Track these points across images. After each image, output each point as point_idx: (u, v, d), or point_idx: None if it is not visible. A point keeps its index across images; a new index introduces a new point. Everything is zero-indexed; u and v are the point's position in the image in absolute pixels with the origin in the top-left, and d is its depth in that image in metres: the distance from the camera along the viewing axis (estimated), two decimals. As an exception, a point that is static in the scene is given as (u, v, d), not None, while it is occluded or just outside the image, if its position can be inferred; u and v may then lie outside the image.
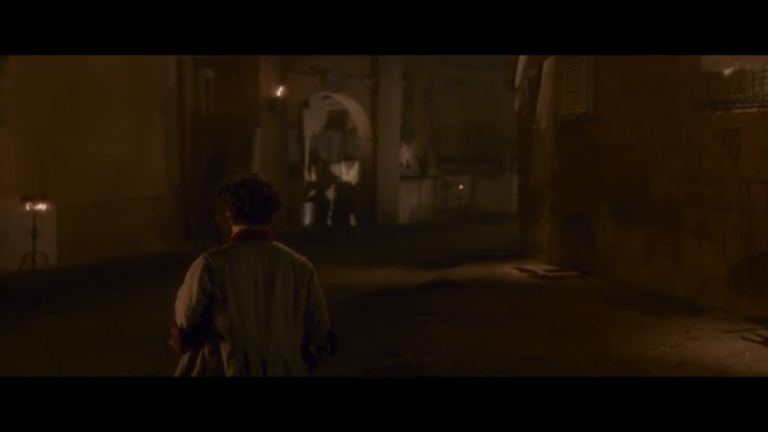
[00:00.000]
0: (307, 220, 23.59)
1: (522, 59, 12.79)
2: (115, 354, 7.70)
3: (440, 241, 18.99)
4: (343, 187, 24.18)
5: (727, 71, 8.35)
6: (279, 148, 20.92)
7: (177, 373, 3.92)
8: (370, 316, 9.56)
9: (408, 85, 25.61)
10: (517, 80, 12.82)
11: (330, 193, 25.55)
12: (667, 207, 10.36)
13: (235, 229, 3.88)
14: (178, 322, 3.83)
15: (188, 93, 17.35)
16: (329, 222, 23.82)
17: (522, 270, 13.17)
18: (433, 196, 25.42)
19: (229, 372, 3.76)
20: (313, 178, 25.14)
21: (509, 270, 13.26)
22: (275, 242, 3.86)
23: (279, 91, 20.35)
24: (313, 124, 25.31)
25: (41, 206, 12.58)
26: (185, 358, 3.89)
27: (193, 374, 3.87)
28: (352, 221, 24.64)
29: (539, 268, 13.39)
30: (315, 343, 3.91)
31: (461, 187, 26.06)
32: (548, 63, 12.45)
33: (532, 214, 14.83)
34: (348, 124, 27.87)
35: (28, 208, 12.45)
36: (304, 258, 3.90)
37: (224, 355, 3.77)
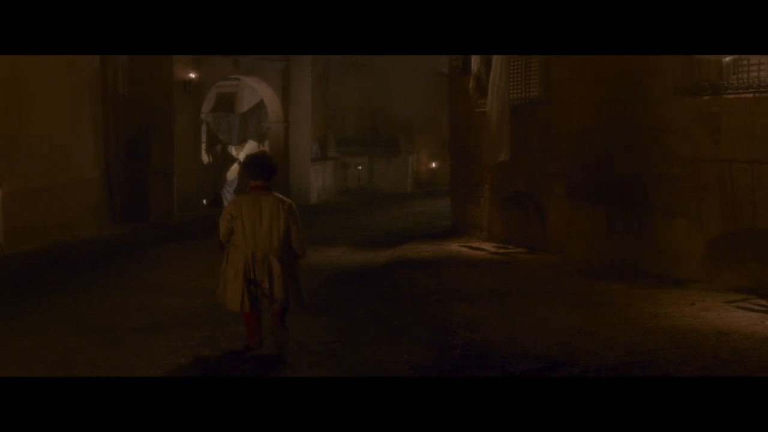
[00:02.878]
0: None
1: (475, 45, 12.78)
2: (149, 340, 7.22)
3: (361, 221, 18.84)
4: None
5: (726, 59, 8.58)
6: (193, 131, 20.21)
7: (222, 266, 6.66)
8: (376, 296, 9.34)
9: (305, 68, 25.26)
10: (473, 66, 12.79)
11: (231, 174, 25.03)
12: (632, 186, 10.61)
13: (251, 183, 6.58)
14: (220, 237, 6.63)
15: (109, 75, 16.48)
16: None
17: (471, 248, 13.22)
18: (335, 177, 25.21)
19: (240, 263, 6.43)
20: (210, 160, 24.53)
21: (458, 248, 13.28)
22: (272, 192, 6.55)
23: (192, 74, 19.64)
24: (204, 106, 24.61)
25: (-7, 192, 11.69)
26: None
27: (223, 267, 6.62)
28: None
29: (485, 245, 13.49)
30: (294, 246, 6.54)
31: (360, 167, 25.94)
32: (499, 49, 12.49)
33: (469, 193, 14.90)
34: (237, 106, 27.27)
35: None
36: (289, 201, 6.62)
37: (237, 255, 6.48)
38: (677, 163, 9.85)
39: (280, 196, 6.57)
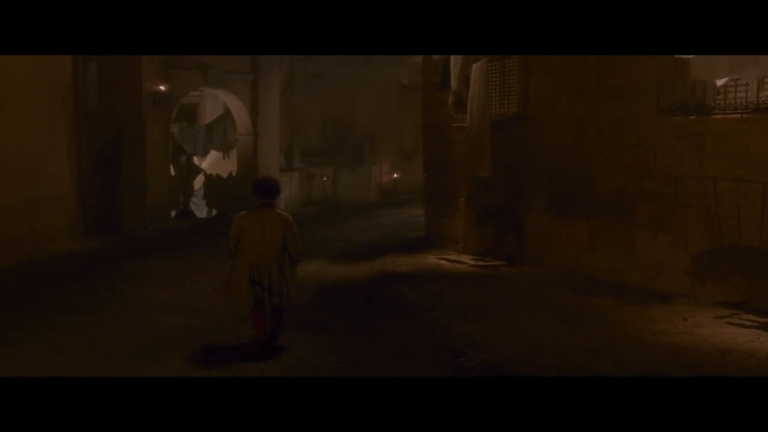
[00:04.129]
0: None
1: (455, 62, 12.70)
2: (153, 365, 6.97)
3: (331, 232, 18.63)
4: (215, 181, 23.37)
5: (719, 82, 8.58)
6: (163, 143, 19.83)
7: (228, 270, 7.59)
8: (369, 312, 9.16)
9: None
10: (453, 82, 12.70)
11: (197, 183, 24.70)
12: (614, 201, 10.61)
13: (258, 201, 7.54)
14: (230, 245, 7.56)
15: (81, 87, 16.05)
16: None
17: (449, 260, 13.15)
18: (300, 187, 25.00)
19: (245, 265, 7.34)
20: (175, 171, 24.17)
21: (437, 261, 13.19)
22: (274, 208, 7.62)
23: (162, 87, 19.27)
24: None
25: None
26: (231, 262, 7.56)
27: (233, 269, 7.48)
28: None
29: (462, 257, 13.43)
30: (290, 253, 7.51)
31: (326, 178, 25.76)
32: (478, 66, 12.43)
33: (444, 206, 14.83)
34: (199, 117, 26.89)
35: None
36: (287, 215, 7.60)
37: (244, 259, 7.36)
38: (660, 180, 9.87)
39: (280, 212, 7.70)
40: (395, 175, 28.09)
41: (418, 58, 28.85)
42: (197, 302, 9.83)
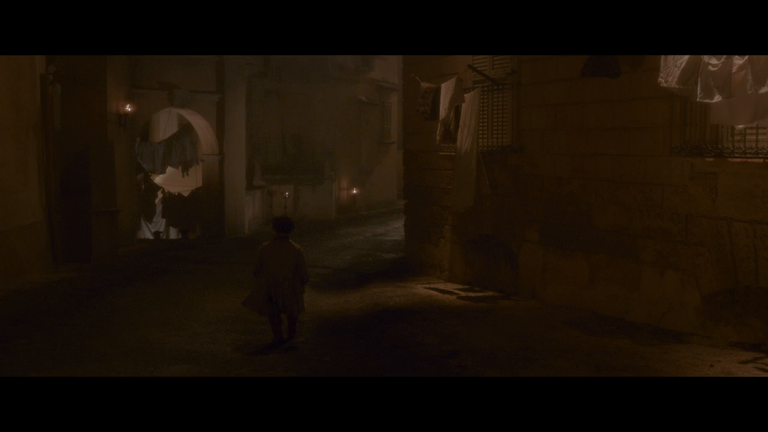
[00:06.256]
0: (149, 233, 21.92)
1: (446, 91, 12.36)
2: None
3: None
4: (175, 199, 22.63)
5: (740, 126, 8.41)
6: (128, 164, 19.08)
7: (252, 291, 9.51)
8: (386, 359, 8.70)
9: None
10: (442, 112, 12.35)
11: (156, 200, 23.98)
12: (616, 237, 10.40)
13: (276, 234, 9.35)
14: (254, 268, 9.39)
15: (48, 111, 15.28)
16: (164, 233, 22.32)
17: (439, 291, 12.83)
18: (262, 206, 24.42)
19: (265, 284, 9.18)
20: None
21: (427, 291, 12.85)
22: (289, 240, 9.34)
23: (127, 107, 18.55)
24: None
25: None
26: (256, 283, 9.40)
27: (257, 287, 9.34)
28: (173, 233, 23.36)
29: (451, 287, 13.13)
30: (299, 277, 9.34)
31: (287, 194, 25.22)
32: (470, 96, 12.15)
33: (427, 233, 14.50)
34: (152, 133, 26.08)
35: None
36: (299, 246, 9.39)
37: (264, 279, 9.19)
38: (668, 218, 9.67)
39: (294, 243, 9.42)
40: (354, 191, 27.70)
41: (375, 75, 28.58)
42: (201, 346, 9.29)
